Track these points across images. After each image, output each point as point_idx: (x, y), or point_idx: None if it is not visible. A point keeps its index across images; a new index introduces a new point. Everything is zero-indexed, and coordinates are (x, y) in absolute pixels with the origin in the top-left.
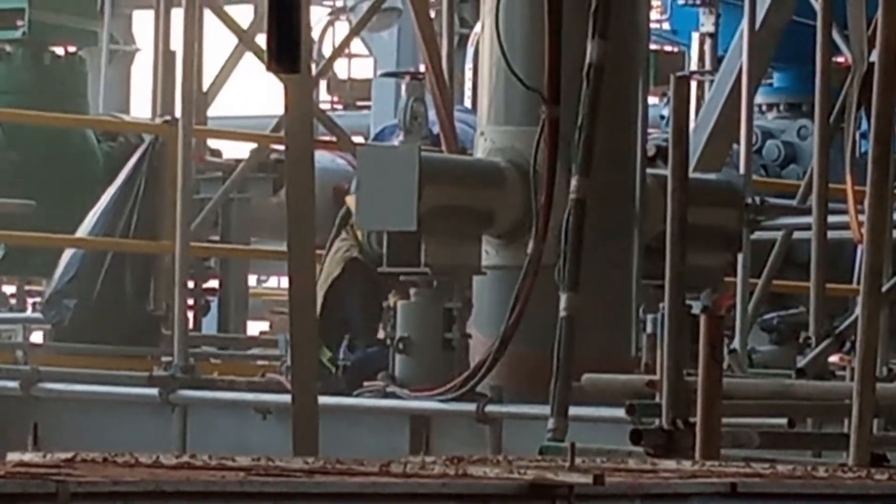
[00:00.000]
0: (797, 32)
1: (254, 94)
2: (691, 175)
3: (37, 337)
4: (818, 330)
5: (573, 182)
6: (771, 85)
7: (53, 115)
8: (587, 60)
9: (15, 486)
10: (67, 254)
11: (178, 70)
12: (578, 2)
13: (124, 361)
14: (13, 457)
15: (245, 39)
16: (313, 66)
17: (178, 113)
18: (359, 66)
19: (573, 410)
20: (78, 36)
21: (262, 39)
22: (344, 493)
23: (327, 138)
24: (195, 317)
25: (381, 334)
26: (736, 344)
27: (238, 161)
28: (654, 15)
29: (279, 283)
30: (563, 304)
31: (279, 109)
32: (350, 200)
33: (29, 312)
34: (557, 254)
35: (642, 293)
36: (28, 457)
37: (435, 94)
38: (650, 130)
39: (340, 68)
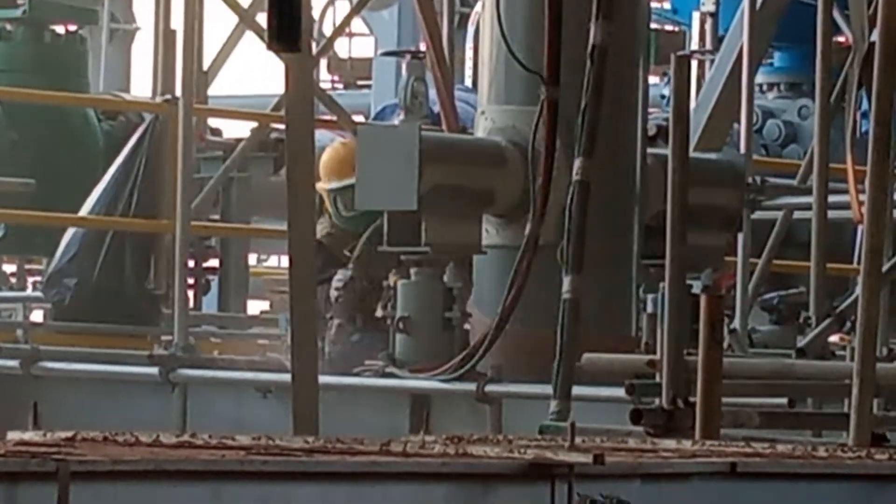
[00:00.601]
0: (798, 12)
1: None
2: (692, 154)
3: (37, 316)
4: (818, 310)
5: (576, 163)
6: (772, 65)
7: (54, 94)
8: (591, 41)
9: (15, 465)
10: (68, 233)
11: (178, 49)
12: None
13: (124, 340)
14: (13, 435)
15: (245, 18)
16: (314, 45)
17: (178, 92)
18: (359, 45)
19: (573, 390)
20: (78, 14)
21: (262, 18)
22: (344, 473)
23: (328, 117)
24: (195, 296)
25: (379, 313)
26: (736, 324)
27: (238, 140)
28: None
29: (279, 262)
30: (566, 286)
31: (280, 88)
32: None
33: (29, 291)
34: (557, 234)
35: (642, 273)
36: (28, 436)
37: (435, 74)
38: (651, 110)
39: (341, 47)
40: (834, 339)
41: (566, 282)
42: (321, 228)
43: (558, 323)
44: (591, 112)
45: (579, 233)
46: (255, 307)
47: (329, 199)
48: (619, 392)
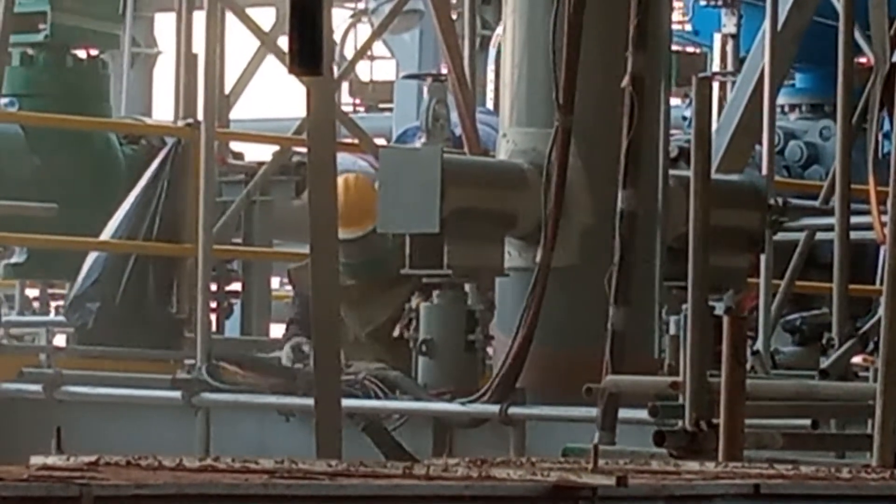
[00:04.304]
0: (819, 33)
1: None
2: (714, 176)
3: (60, 340)
4: (841, 331)
5: (620, 194)
6: (793, 86)
7: (76, 119)
8: (629, 70)
9: (39, 490)
10: (90, 257)
11: (200, 73)
12: (601, 9)
13: (147, 364)
14: (37, 460)
15: (267, 42)
16: (335, 68)
17: (200, 116)
18: (381, 68)
19: (595, 412)
20: (100, 39)
21: (283, 42)
22: (367, 496)
23: (349, 140)
24: (218, 319)
25: (397, 333)
26: (759, 345)
27: (260, 164)
28: (675, 16)
29: None
30: (612, 317)
31: (301, 112)
32: None
33: (52, 316)
34: (578, 257)
35: (665, 294)
36: (51, 460)
37: (457, 96)
38: (673, 132)
39: (362, 70)
40: (857, 360)
41: (612, 313)
42: None
43: (605, 353)
44: (634, 141)
45: (627, 263)
46: (277, 331)
47: None
48: (643, 414)
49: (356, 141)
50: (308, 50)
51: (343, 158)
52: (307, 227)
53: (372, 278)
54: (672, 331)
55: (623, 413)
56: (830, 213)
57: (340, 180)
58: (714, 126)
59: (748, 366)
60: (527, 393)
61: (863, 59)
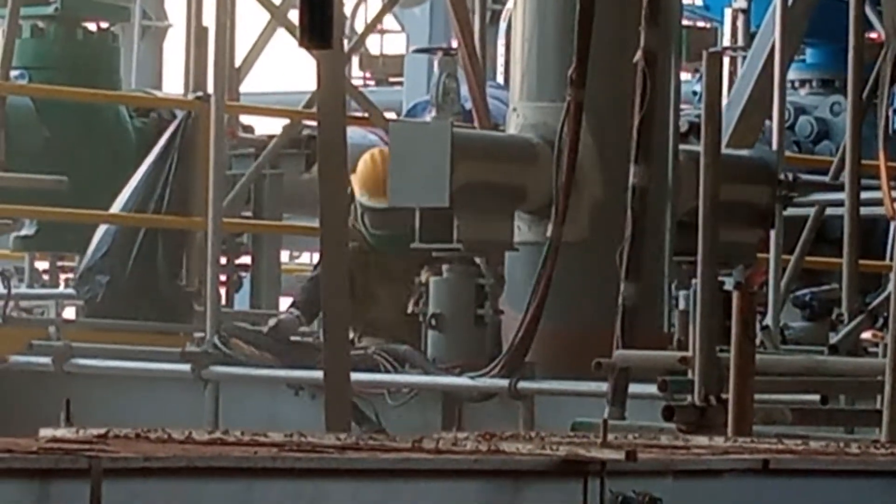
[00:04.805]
0: (830, 8)
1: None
2: (724, 151)
3: (69, 313)
4: (851, 306)
5: (632, 169)
6: (804, 61)
7: (86, 91)
8: (641, 46)
9: (48, 462)
10: (100, 230)
11: (210, 46)
12: None
13: (157, 337)
14: (46, 432)
15: (277, 15)
16: (345, 41)
17: (210, 89)
18: (391, 42)
19: (605, 387)
20: (110, 12)
21: (294, 15)
22: (376, 470)
23: (360, 114)
24: (227, 293)
25: (410, 309)
26: (768, 320)
27: (270, 137)
28: None
29: (311, 259)
30: (623, 292)
31: (311, 85)
32: (355, 177)
33: (61, 288)
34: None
35: (675, 269)
36: (60, 433)
37: (467, 70)
38: (683, 107)
39: (373, 44)
40: (866, 335)
41: (623, 287)
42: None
43: (615, 328)
44: (645, 116)
45: (638, 239)
46: (287, 304)
47: (358, 210)
48: (652, 389)
49: (366, 115)
50: (318, 23)
51: (353, 132)
52: (317, 201)
53: (399, 250)
54: (682, 306)
55: (632, 388)
56: (840, 188)
57: (368, 154)
58: (724, 101)
59: (757, 341)
60: (536, 367)
61: (873, 35)
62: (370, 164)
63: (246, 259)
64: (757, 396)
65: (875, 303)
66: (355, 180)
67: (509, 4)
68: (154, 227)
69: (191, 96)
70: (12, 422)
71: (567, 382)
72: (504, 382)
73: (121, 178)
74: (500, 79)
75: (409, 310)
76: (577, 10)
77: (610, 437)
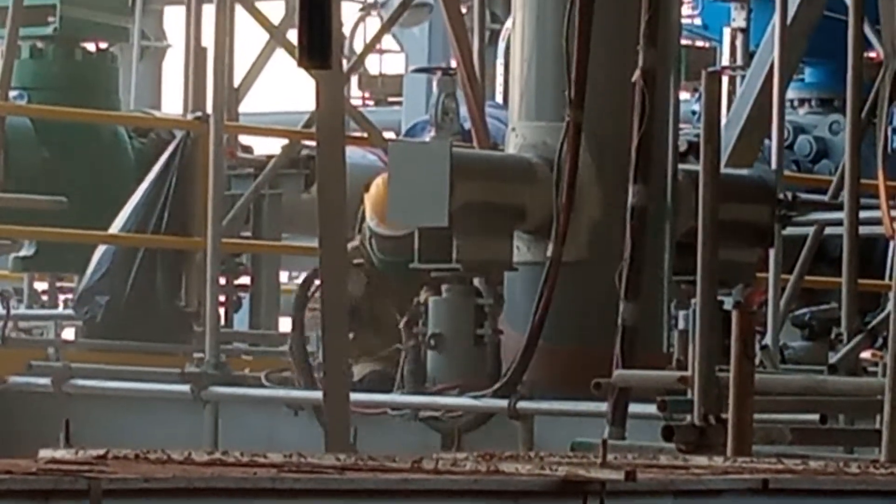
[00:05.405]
0: (829, 27)
1: (285, 90)
2: (723, 170)
3: (69, 333)
4: (850, 326)
5: (631, 188)
6: (802, 80)
7: (85, 112)
8: (640, 66)
9: (47, 483)
10: (99, 250)
11: (209, 66)
12: (611, 4)
13: (156, 358)
14: (45, 453)
15: (276, 35)
16: (344, 61)
17: (209, 109)
18: (390, 62)
19: (604, 407)
20: (109, 32)
21: (293, 35)
22: (376, 490)
23: (359, 134)
24: (227, 313)
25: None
26: (768, 340)
27: (269, 157)
28: (685, 10)
29: None
30: (622, 312)
31: (310, 105)
32: (367, 198)
33: (61, 309)
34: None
35: (674, 289)
36: (60, 453)
37: (466, 90)
38: (682, 126)
39: (372, 64)
40: (866, 355)
41: (623, 308)
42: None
43: (614, 348)
44: (644, 137)
45: (638, 259)
46: (286, 324)
47: (367, 234)
48: (651, 408)
49: (365, 135)
50: (317, 43)
51: (352, 152)
52: (316, 221)
53: (407, 277)
54: (681, 325)
55: (632, 408)
56: (840, 207)
57: (381, 178)
58: (723, 120)
59: (757, 361)
60: (535, 387)
61: (872, 54)
62: (382, 189)
63: (245, 279)
64: (756, 416)
65: (874, 322)
66: (368, 202)
67: (508, 24)
68: (153, 248)
69: (190, 116)
70: (11, 442)
71: (566, 402)
72: (503, 402)
73: (120, 198)
74: (499, 98)
75: (400, 326)
76: (575, 30)
77: (609, 456)
